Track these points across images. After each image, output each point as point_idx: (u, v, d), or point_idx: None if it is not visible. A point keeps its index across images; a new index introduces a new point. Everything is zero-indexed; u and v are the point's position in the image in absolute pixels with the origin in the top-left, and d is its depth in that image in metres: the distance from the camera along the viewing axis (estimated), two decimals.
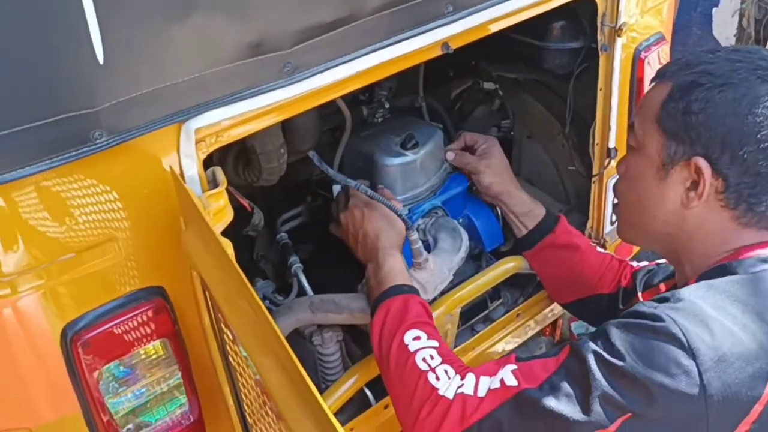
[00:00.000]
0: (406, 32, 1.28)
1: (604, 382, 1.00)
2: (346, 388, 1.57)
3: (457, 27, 1.35)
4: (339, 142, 1.76)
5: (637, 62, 1.76)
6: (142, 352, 1.19)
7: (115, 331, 1.15)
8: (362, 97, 1.88)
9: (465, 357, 1.83)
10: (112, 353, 1.16)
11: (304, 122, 1.52)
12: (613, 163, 1.84)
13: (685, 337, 0.98)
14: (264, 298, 1.77)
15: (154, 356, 1.20)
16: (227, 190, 1.19)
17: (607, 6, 1.64)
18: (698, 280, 1.10)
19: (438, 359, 1.19)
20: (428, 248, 1.68)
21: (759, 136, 1.03)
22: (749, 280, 1.05)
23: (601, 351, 1.02)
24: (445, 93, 2.21)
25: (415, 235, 1.58)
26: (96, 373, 1.14)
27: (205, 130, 1.10)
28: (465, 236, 1.72)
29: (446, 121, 2.05)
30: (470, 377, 1.12)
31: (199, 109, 1.08)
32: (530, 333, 2.00)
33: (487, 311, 1.91)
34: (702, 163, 1.06)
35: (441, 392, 1.13)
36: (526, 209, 1.71)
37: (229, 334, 1.04)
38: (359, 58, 1.23)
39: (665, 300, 1.05)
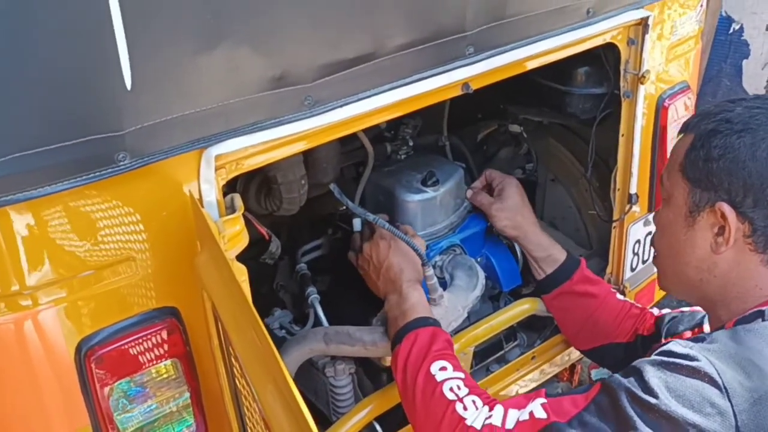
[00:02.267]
0: (426, 71, 1.31)
1: (636, 419, 0.99)
2: (356, 420, 1.57)
3: (478, 68, 1.38)
4: (362, 176, 1.80)
5: (660, 110, 1.77)
6: (153, 370, 1.21)
7: (128, 348, 1.17)
8: (387, 134, 1.92)
9: None
10: (124, 370, 1.18)
11: (325, 155, 1.55)
12: (635, 208, 1.83)
13: (721, 377, 0.98)
14: (281, 328, 1.80)
15: (165, 376, 1.22)
16: (245, 217, 1.23)
17: (630, 53, 1.66)
18: (735, 324, 1.09)
19: (465, 390, 1.21)
20: (444, 285, 1.69)
21: None
22: None
23: (633, 388, 1.01)
24: (472, 134, 2.24)
25: (430, 271, 1.59)
26: (107, 389, 1.17)
27: (225, 157, 1.14)
28: (481, 275, 1.72)
29: (469, 160, 2.07)
30: (498, 409, 1.13)
31: (221, 136, 1.12)
32: (546, 376, 1.98)
33: (502, 352, 1.90)
34: (726, 208, 1.08)
35: (469, 422, 1.14)
36: (544, 254, 1.71)
37: (235, 358, 1.06)
38: (379, 95, 1.27)
39: (700, 340, 1.05)
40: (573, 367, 2.20)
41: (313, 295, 1.71)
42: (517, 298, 1.87)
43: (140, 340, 1.18)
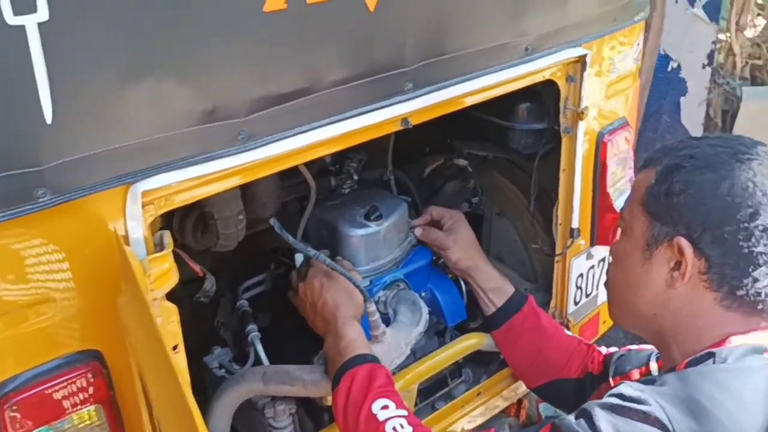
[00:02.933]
0: (364, 106, 1.30)
1: None
2: None
3: (417, 104, 1.37)
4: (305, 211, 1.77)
5: (600, 145, 1.79)
6: (75, 417, 1.15)
7: (48, 394, 1.11)
8: (331, 168, 1.90)
9: None
10: (44, 417, 1.12)
11: (264, 189, 1.53)
12: (579, 242, 1.85)
13: (671, 422, 0.96)
14: (220, 366, 1.74)
15: (88, 422, 1.16)
16: (178, 254, 1.19)
17: (569, 90, 1.68)
18: (687, 366, 1.08)
19: (409, 428, 1.19)
20: (388, 321, 1.66)
21: (738, 216, 1.04)
22: (738, 371, 1.03)
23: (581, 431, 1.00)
24: (418, 168, 2.24)
25: (372, 307, 1.57)
26: None
27: (153, 193, 1.10)
28: (425, 310, 1.70)
29: (414, 194, 2.06)
30: None
31: (148, 172, 1.09)
32: (493, 411, 1.96)
33: (447, 388, 1.87)
34: (684, 242, 1.07)
35: None
36: (495, 285, 1.71)
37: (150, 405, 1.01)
38: (315, 130, 1.25)
39: (651, 382, 1.04)
40: (520, 401, 2.19)
41: (254, 332, 1.67)
42: (464, 333, 1.86)
43: (61, 385, 1.12)
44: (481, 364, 1.94)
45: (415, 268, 1.79)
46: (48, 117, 0.96)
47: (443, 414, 1.82)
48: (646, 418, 0.97)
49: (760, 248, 1.03)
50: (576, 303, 1.94)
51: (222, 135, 1.15)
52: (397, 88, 1.34)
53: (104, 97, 1.01)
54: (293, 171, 1.52)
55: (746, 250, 1.04)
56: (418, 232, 1.79)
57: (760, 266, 1.04)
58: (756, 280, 1.05)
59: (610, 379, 1.48)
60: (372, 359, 1.37)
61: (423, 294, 1.81)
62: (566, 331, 1.69)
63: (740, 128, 2.70)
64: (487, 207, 2.15)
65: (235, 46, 1.12)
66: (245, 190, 1.47)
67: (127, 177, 1.07)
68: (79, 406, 1.14)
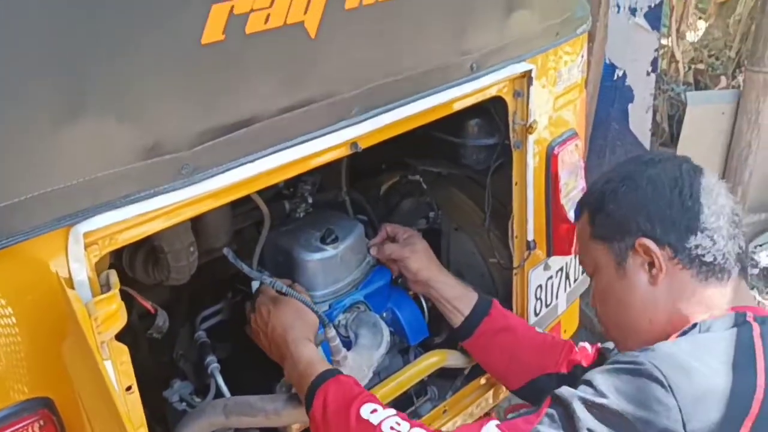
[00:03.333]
0: (311, 133, 1.30)
1: (589, 420, 1.04)
2: None
3: (364, 128, 1.37)
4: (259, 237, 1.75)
5: (551, 157, 1.81)
6: None
7: None
8: (285, 192, 1.89)
9: None
10: None
11: (214, 220, 1.51)
12: (538, 252, 1.86)
13: (665, 377, 1.04)
14: (181, 400, 1.71)
15: None
16: (128, 292, 1.16)
17: (517, 105, 1.70)
18: (675, 339, 1.15)
19: (406, 425, 1.20)
20: (349, 345, 1.65)
21: (671, 198, 1.19)
22: (723, 337, 1.12)
23: (584, 394, 1.07)
24: (374, 186, 2.24)
25: (332, 332, 1.56)
26: None
27: (96, 233, 1.08)
28: (386, 331, 1.69)
29: (370, 214, 2.06)
30: None
31: (89, 212, 1.06)
32: None
33: (413, 407, 1.87)
34: (645, 241, 1.19)
35: None
36: (458, 293, 1.71)
37: None
38: (263, 159, 1.24)
39: (644, 351, 1.11)
40: (487, 415, 2.19)
41: (213, 364, 1.64)
42: (428, 350, 1.86)
43: None
44: (446, 379, 1.94)
45: (375, 288, 1.78)
46: None
47: None
48: (641, 374, 1.06)
49: (701, 214, 1.17)
50: (537, 314, 1.95)
51: (165, 170, 1.13)
52: (343, 113, 1.34)
53: (37, 138, 0.99)
54: (246, 197, 1.51)
55: (693, 222, 1.17)
56: (373, 251, 1.79)
57: (708, 229, 1.17)
58: (714, 242, 1.17)
59: None
60: (337, 372, 1.36)
61: (384, 314, 1.80)
62: (537, 329, 1.70)
63: (686, 132, 2.77)
64: (445, 222, 2.15)
65: (173, 80, 1.10)
66: (196, 221, 1.45)
67: (67, 219, 1.04)
68: None
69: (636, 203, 1.21)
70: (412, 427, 1.19)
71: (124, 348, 1.14)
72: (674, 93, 2.99)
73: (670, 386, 1.03)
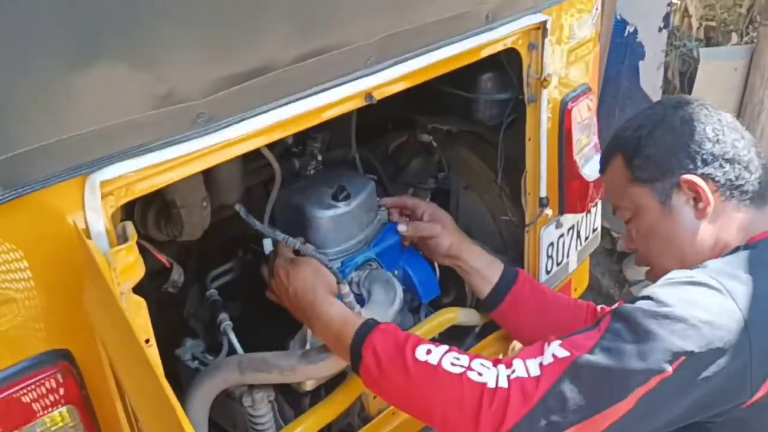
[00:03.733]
0: (327, 83, 1.27)
1: (655, 329, 1.07)
2: None
3: (380, 78, 1.34)
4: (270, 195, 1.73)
5: (564, 113, 1.79)
6: (47, 420, 1.11)
7: (16, 397, 1.07)
8: (294, 149, 1.86)
9: (404, 413, 1.78)
10: (14, 422, 1.07)
11: (227, 174, 1.48)
12: (547, 211, 1.85)
13: (722, 284, 1.11)
14: (193, 358, 1.71)
15: (61, 424, 1.12)
16: (142, 245, 1.15)
17: (531, 58, 1.67)
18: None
19: (465, 358, 1.19)
20: (362, 302, 1.64)
21: (706, 134, 1.25)
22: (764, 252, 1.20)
23: (646, 307, 1.11)
24: (382, 145, 2.21)
25: (346, 289, 1.55)
26: None
27: (112, 183, 1.06)
28: (399, 288, 1.69)
29: (380, 172, 2.04)
30: (517, 362, 1.14)
31: (105, 161, 1.04)
32: None
33: None
34: (687, 177, 1.24)
35: (491, 385, 1.12)
36: (486, 261, 1.69)
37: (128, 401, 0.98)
38: (278, 109, 1.21)
39: (694, 268, 1.18)
40: None
41: (226, 321, 1.63)
42: (437, 309, 1.85)
43: (30, 387, 1.07)
44: (456, 339, 1.94)
45: (387, 246, 1.77)
46: None
47: None
48: (700, 284, 1.12)
49: (735, 148, 1.25)
50: (548, 272, 1.95)
51: (180, 119, 1.10)
52: (359, 63, 1.31)
53: (52, 85, 0.96)
54: (256, 154, 1.49)
55: (730, 155, 1.24)
56: (401, 228, 1.75)
57: (744, 160, 1.25)
58: (750, 172, 1.25)
59: None
60: (374, 322, 1.35)
61: (396, 272, 1.79)
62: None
63: (698, 89, 2.74)
64: (454, 181, 2.13)
65: (188, 27, 1.07)
66: (208, 176, 1.43)
67: (84, 167, 1.02)
68: (50, 408, 1.10)
69: (675, 143, 1.26)
70: (472, 359, 1.18)
71: (142, 301, 1.13)
72: (686, 49, 2.95)
73: (727, 291, 1.10)
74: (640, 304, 1.12)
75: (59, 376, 1.10)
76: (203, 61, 1.10)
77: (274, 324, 1.66)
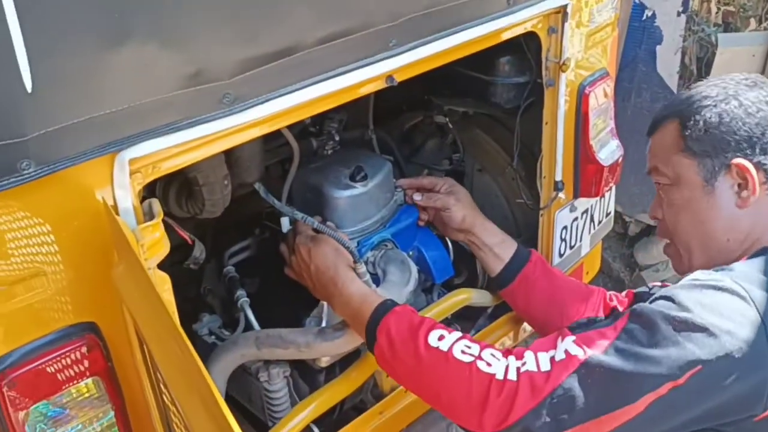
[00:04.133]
0: (350, 65, 1.28)
1: (672, 335, 1.04)
2: (293, 425, 1.53)
3: (402, 60, 1.35)
4: (288, 174, 1.75)
5: (582, 97, 1.79)
6: (73, 390, 1.14)
7: (45, 368, 1.10)
8: (312, 129, 1.88)
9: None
10: (41, 392, 1.11)
11: (248, 153, 1.50)
12: (561, 195, 1.86)
13: (747, 292, 1.07)
14: (210, 333, 1.74)
15: (86, 395, 1.15)
16: (166, 222, 1.17)
17: (551, 42, 1.67)
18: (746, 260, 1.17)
19: (476, 347, 1.18)
20: (377, 281, 1.67)
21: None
22: None
23: (666, 309, 1.07)
24: (397, 126, 2.22)
25: (362, 268, 1.57)
26: (22, 414, 1.09)
27: (140, 160, 1.08)
28: (414, 269, 1.71)
29: (396, 153, 2.05)
30: (528, 355, 1.13)
31: (134, 139, 1.06)
32: None
33: None
34: (743, 162, 1.18)
35: (499, 376, 1.11)
36: (500, 239, 1.70)
37: (159, 373, 1.01)
38: (301, 90, 1.22)
39: (719, 270, 1.13)
40: None
41: (243, 298, 1.66)
42: (449, 290, 1.87)
43: (57, 359, 1.11)
44: (468, 319, 1.96)
45: (402, 227, 1.79)
46: (28, 85, 0.93)
47: None
48: (724, 290, 1.07)
49: None
50: (561, 255, 1.96)
51: (207, 98, 1.12)
52: (381, 45, 1.32)
53: (84, 63, 0.97)
54: (275, 133, 1.50)
55: None
56: (417, 197, 1.77)
57: None
58: None
59: None
60: (391, 304, 1.35)
61: (410, 252, 1.81)
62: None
63: (716, 75, 2.70)
64: (468, 163, 2.14)
65: (216, 7, 1.08)
66: (229, 154, 1.45)
67: (113, 145, 1.04)
68: (76, 380, 1.13)
69: (738, 123, 1.19)
70: (483, 349, 1.17)
71: (166, 276, 1.15)
72: (705, 34, 2.92)
73: (752, 299, 1.06)
74: (660, 305, 1.09)
75: (85, 349, 1.13)
76: (230, 42, 1.12)
77: (290, 301, 1.68)
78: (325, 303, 1.64)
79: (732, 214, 1.21)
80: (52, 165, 0.99)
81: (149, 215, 1.13)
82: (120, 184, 1.06)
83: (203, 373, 0.83)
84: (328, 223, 1.63)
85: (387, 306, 1.34)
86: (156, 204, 1.13)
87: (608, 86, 1.88)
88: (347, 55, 1.28)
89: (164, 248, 1.11)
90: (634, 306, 1.12)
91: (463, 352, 1.17)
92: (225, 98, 1.14)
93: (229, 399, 1.65)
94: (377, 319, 1.32)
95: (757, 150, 1.18)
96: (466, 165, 2.15)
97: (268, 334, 1.55)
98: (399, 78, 1.39)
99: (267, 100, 1.19)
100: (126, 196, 1.07)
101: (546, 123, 1.77)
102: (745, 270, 1.12)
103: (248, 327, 1.63)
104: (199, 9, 1.07)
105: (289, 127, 1.61)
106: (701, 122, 1.21)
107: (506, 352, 1.16)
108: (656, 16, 2.89)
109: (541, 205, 1.86)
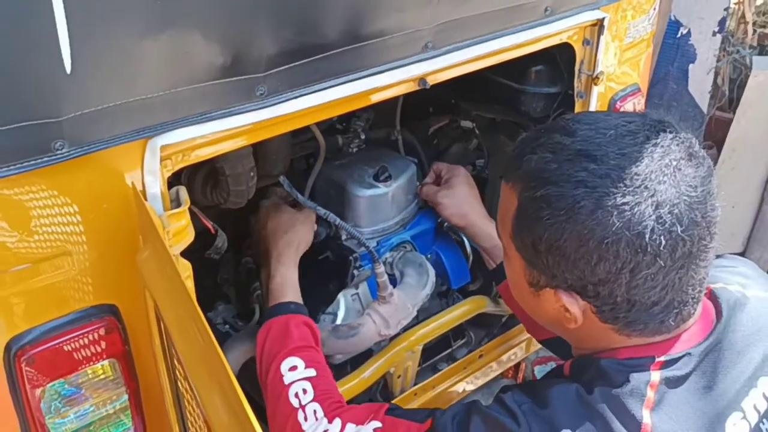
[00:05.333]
0: (383, 65, 1.28)
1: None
2: None
3: (435, 64, 1.35)
4: (312, 169, 1.75)
5: (612, 111, 1.77)
6: (89, 371, 1.15)
7: (63, 348, 1.11)
8: (339, 126, 1.88)
9: (425, 395, 1.81)
10: (58, 371, 1.12)
11: (276, 146, 1.50)
12: None
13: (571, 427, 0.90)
14: (224, 323, 1.74)
15: (102, 377, 1.16)
16: (190, 210, 1.17)
17: (585, 54, 1.66)
18: (574, 362, 1.03)
19: (311, 394, 1.20)
20: (394, 282, 1.67)
21: (617, 269, 0.89)
22: (622, 394, 0.92)
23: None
24: (422, 128, 2.21)
25: (381, 268, 1.57)
26: (38, 391, 1.10)
27: (171, 147, 1.08)
28: (432, 272, 1.71)
29: (421, 155, 2.05)
30: (337, 422, 1.14)
31: (167, 126, 1.06)
32: (492, 374, 1.98)
33: (450, 350, 1.89)
34: (565, 298, 0.95)
35: None
36: (491, 244, 1.67)
37: (178, 360, 1.01)
38: (334, 88, 1.22)
39: (540, 389, 0.97)
40: (518, 364, 2.22)
41: (259, 290, 1.66)
42: (465, 295, 1.87)
43: (76, 339, 1.12)
44: (482, 326, 1.95)
45: (422, 230, 1.79)
46: (67, 67, 0.93)
47: (445, 375, 1.84)
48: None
49: (640, 291, 0.91)
50: None
51: (241, 90, 1.12)
52: (415, 48, 1.31)
53: (124, 48, 0.98)
54: (302, 128, 1.50)
55: (636, 297, 0.91)
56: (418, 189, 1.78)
57: (644, 302, 0.92)
58: (650, 307, 0.93)
59: None
60: (294, 309, 1.38)
61: (428, 256, 1.81)
62: None
63: (748, 98, 2.68)
64: (492, 170, 2.13)
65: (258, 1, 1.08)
66: (257, 146, 1.45)
67: (147, 131, 1.05)
68: (93, 361, 1.14)
69: (572, 260, 0.90)
70: (313, 400, 1.18)
71: (188, 264, 1.16)
72: (739, 56, 2.89)
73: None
74: (453, 423, 0.99)
75: (104, 330, 1.14)
76: (266, 36, 1.12)
77: (305, 296, 1.68)
78: (341, 299, 1.65)
79: (556, 319, 0.99)
80: (86, 147, 1.00)
81: (176, 202, 1.13)
82: (150, 170, 1.07)
83: (223, 361, 0.84)
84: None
85: (286, 308, 1.37)
86: (183, 191, 1.14)
87: (639, 102, 1.86)
88: (381, 56, 1.28)
89: (189, 236, 1.12)
90: (438, 416, 1.02)
91: (296, 395, 1.20)
92: (258, 91, 1.14)
93: None
94: (274, 312, 1.37)
95: (589, 290, 0.93)
96: (490, 171, 2.14)
97: None
98: (432, 81, 1.39)
99: (299, 96, 1.19)
100: (155, 182, 1.08)
101: None
102: (554, 417, 0.92)
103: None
104: (241, 2, 1.07)
105: (317, 123, 1.61)
106: (531, 236, 0.93)
107: (335, 411, 1.16)
108: (691, 34, 2.86)
109: None
